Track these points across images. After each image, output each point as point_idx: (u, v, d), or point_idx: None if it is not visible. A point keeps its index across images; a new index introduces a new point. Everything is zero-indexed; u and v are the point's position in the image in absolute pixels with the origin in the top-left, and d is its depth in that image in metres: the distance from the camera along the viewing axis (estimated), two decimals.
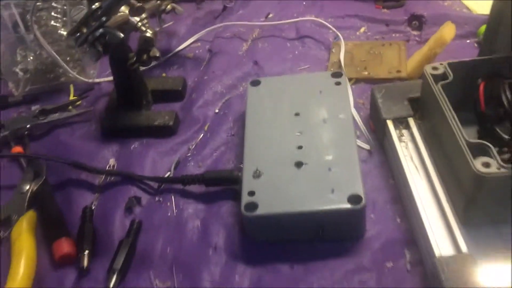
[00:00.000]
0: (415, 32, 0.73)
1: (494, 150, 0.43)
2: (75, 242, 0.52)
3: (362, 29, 0.74)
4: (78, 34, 0.48)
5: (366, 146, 0.58)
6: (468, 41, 0.70)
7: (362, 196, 0.47)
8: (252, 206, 0.48)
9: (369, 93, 0.59)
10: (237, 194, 0.52)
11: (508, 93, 0.48)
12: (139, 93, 0.62)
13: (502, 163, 0.42)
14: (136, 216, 0.54)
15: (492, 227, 0.46)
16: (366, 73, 0.66)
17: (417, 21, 0.73)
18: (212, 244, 0.51)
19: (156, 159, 0.60)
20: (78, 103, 0.67)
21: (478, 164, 0.42)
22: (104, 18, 0.47)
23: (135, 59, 0.56)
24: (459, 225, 0.46)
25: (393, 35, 0.73)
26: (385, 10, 0.76)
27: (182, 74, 0.71)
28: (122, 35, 0.48)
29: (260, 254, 0.50)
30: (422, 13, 0.73)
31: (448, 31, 0.61)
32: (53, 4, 0.67)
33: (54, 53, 0.62)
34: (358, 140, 0.58)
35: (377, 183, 0.55)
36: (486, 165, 0.42)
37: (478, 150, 0.44)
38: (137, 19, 0.54)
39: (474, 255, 0.43)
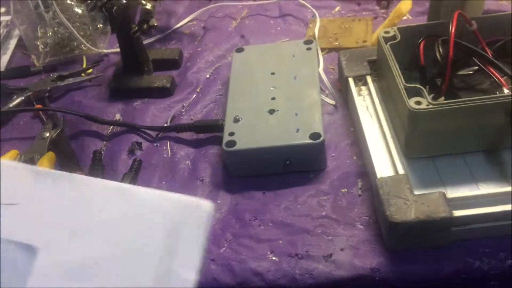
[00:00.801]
0: (382, 10, 0.83)
1: (425, 92, 0.53)
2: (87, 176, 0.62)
3: (337, 8, 0.85)
4: (89, 1, 0.59)
5: (333, 102, 0.68)
6: None
7: (321, 133, 0.58)
8: (232, 143, 0.58)
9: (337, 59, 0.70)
10: (221, 140, 0.61)
11: (440, 48, 0.58)
12: (141, 60, 0.73)
13: (431, 101, 0.52)
14: (137, 157, 0.65)
15: (428, 159, 0.56)
16: (337, 43, 0.77)
17: (385, 1, 0.83)
18: (200, 178, 0.62)
19: (155, 114, 0.71)
20: (89, 70, 0.78)
21: (412, 102, 0.52)
22: None
23: (137, 28, 0.67)
24: (401, 157, 0.56)
25: (364, 13, 0.83)
26: None
27: (179, 47, 0.82)
28: (124, 0, 0.59)
29: (238, 185, 0.60)
30: None
31: (405, 4, 0.71)
32: None
33: (71, 27, 0.73)
34: (326, 97, 0.68)
35: (340, 131, 0.65)
36: (418, 103, 0.52)
37: (414, 93, 0.54)
38: None
39: (410, 178, 0.53)
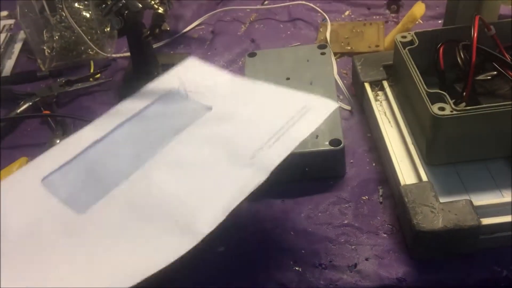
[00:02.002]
0: (393, 15, 0.82)
1: (448, 97, 0.52)
2: None
3: (347, 12, 0.84)
4: (104, 5, 0.58)
5: (348, 107, 0.68)
6: (439, 21, 0.80)
7: (341, 140, 0.57)
8: None
9: (352, 64, 0.69)
10: None
11: (461, 52, 0.57)
12: (151, 65, 0.72)
13: (454, 107, 0.51)
14: None
15: (450, 165, 0.55)
16: (349, 48, 0.76)
17: (395, 5, 0.83)
18: None
19: None
20: (97, 75, 0.76)
21: (435, 108, 0.52)
22: None
23: (148, 33, 0.65)
24: (423, 164, 0.55)
25: (374, 17, 0.82)
26: None
27: (188, 52, 0.80)
28: (140, 5, 0.58)
29: (256, 193, 0.59)
30: None
31: (418, 8, 0.71)
32: None
33: (80, 31, 0.71)
34: (341, 102, 0.68)
35: (357, 136, 0.64)
36: (441, 108, 0.51)
37: (436, 99, 0.53)
38: None
39: (433, 185, 0.52)
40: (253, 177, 0.48)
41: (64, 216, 0.46)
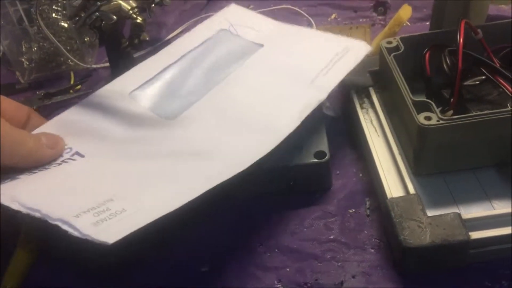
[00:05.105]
0: (380, 17, 0.81)
1: (435, 106, 0.51)
2: None
3: (333, 16, 0.82)
4: (77, 18, 0.56)
5: (333, 114, 0.66)
6: (427, 23, 0.78)
7: (327, 152, 0.55)
8: None
9: None
10: None
11: (447, 58, 0.55)
12: None
13: (441, 116, 0.50)
14: None
15: (439, 175, 0.54)
16: None
17: (382, 7, 0.81)
18: None
19: None
20: (78, 87, 0.75)
21: (421, 118, 0.50)
22: (99, 3, 0.55)
23: (127, 43, 0.63)
24: (410, 175, 0.54)
25: (361, 20, 0.81)
26: None
27: None
28: (115, 17, 0.56)
29: (239, 207, 0.57)
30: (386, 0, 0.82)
31: (404, 11, 0.69)
32: None
33: (57, 42, 0.69)
34: (326, 109, 0.66)
35: (344, 145, 0.62)
36: (428, 118, 0.50)
37: (422, 108, 0.51)
38: (129, 7, 0.61)
39: (421, 197, 0.51)
40: (316, 95, 0.55)
41: (156, 121, 0.53)
